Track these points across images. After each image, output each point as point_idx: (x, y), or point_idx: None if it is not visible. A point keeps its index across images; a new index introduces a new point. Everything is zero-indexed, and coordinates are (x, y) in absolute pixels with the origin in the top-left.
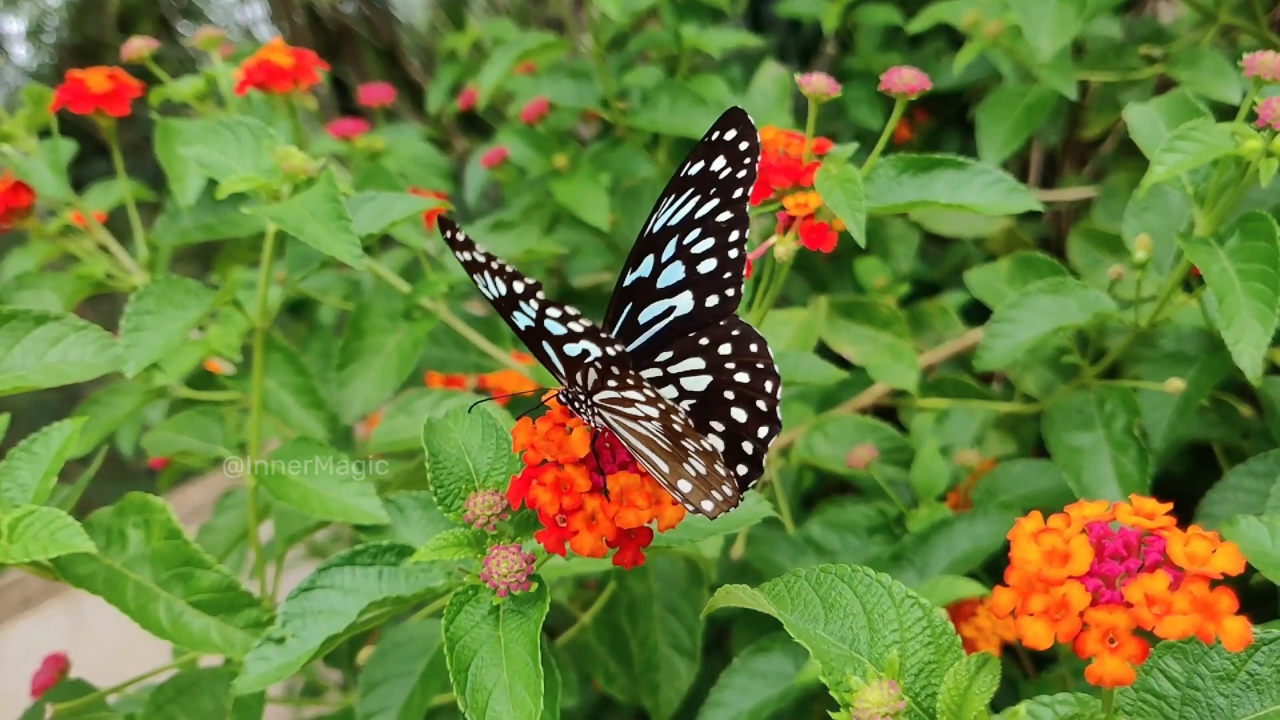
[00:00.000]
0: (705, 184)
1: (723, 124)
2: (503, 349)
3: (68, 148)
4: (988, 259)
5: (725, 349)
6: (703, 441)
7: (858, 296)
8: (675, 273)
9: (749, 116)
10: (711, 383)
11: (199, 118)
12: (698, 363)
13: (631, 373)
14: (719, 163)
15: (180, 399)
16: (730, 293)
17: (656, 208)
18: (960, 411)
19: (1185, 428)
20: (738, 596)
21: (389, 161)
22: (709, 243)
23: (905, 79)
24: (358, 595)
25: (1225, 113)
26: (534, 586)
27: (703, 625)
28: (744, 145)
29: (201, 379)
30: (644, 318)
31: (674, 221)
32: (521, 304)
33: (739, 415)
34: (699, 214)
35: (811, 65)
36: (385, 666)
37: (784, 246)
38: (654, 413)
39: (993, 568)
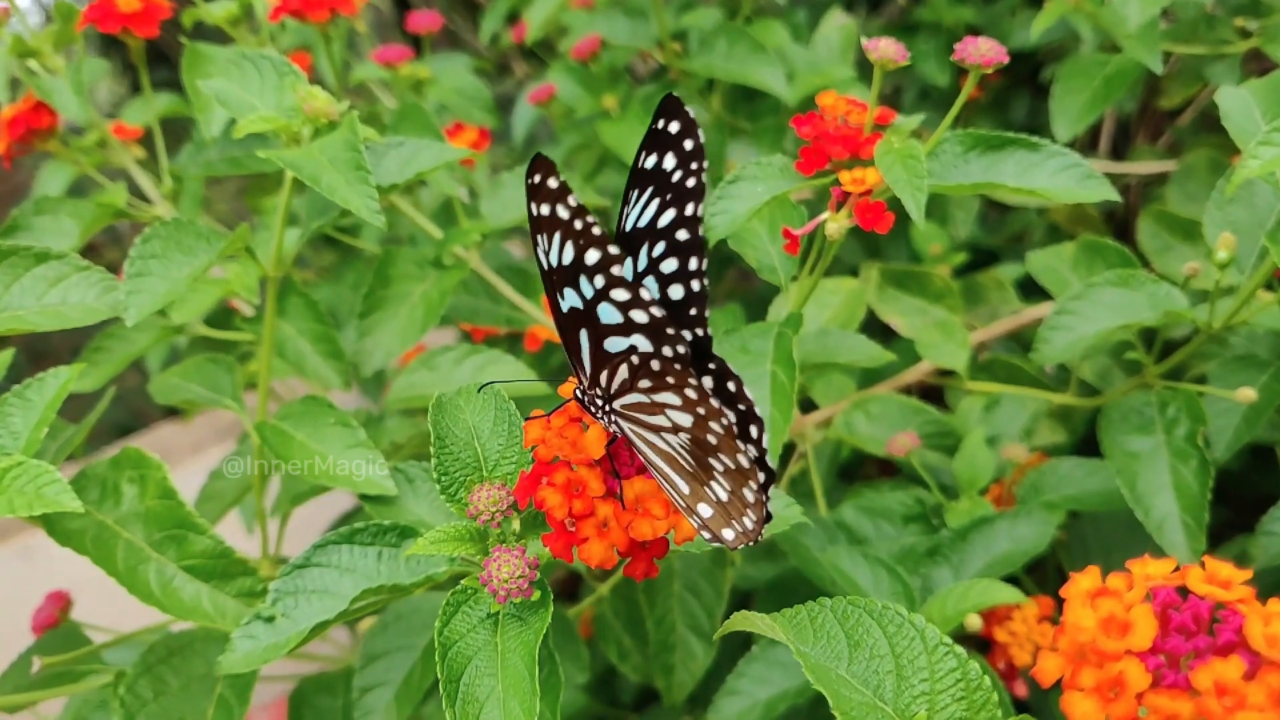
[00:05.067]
0: (662, 185)
1: (662, 112)
2: (534, 302)
3: (94, 68)
4: (1050, 229)
5: (705, 382)
6: (739, 457)
7: (911, 265)
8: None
9: (687, 108)
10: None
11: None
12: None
13: (690, 378)
14: (669, 161)
15: (200, 336)
16: (681, 349)
17: (625, 200)
18: (1010, 399)
19: (1251, 437)
20: (754, 624)
21: (433, 92)
22: (673, 264)
23: (981, 51)
24: (355, 576)
25: None
26: (537, 594)
27: (723, 607)
28: (688, 144)
29: (225, 316)
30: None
31: (642, 223)
32: (584, 279)
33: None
34: (660, 223)
35: (880, 14)
36: (387, 638)
37: (835, 224)
38: (686, 421)
39: (1034, 569)
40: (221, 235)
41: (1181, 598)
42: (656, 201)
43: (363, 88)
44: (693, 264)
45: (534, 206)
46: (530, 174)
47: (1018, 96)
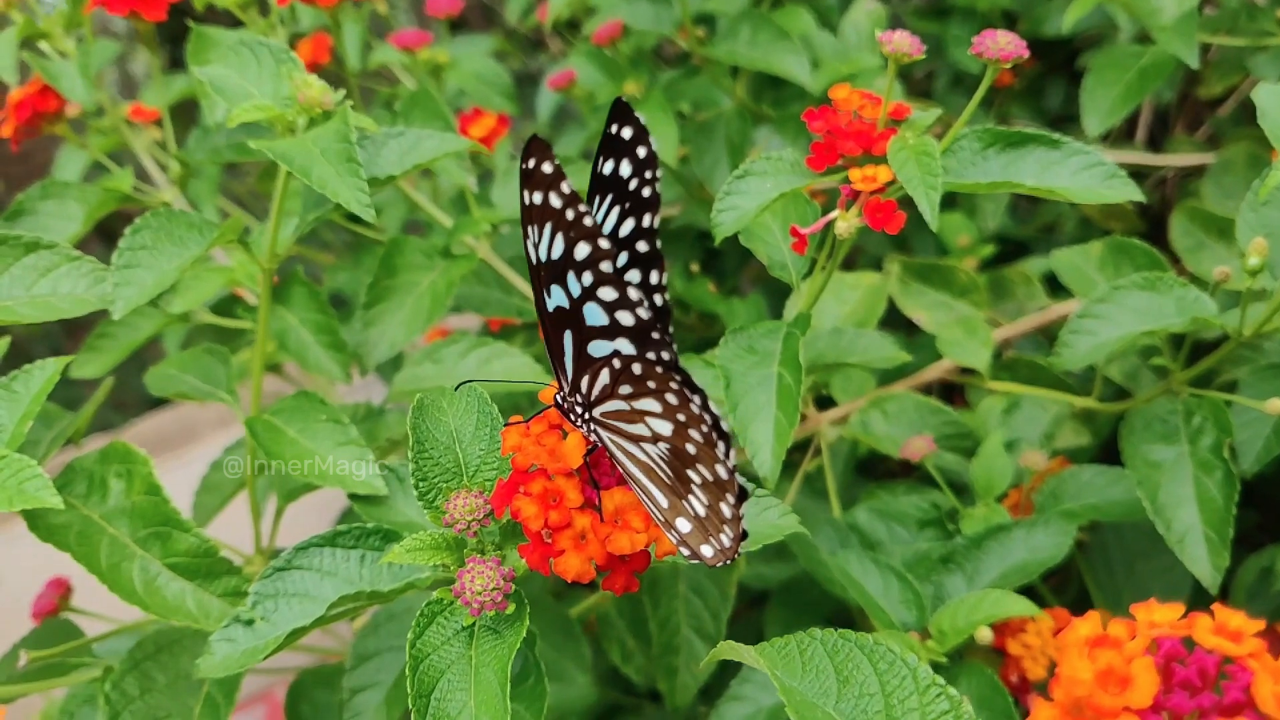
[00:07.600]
0: (620, 193)
1: (614, 116)
2: None
3: (104, 50)
4: (1082, 222)
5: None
6: (717, 467)
7: (935, 259)
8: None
9: (636, 113)
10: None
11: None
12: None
13: (671, 382)
14: (625, 168)
15: (206, 324)
16: (666, 355)
17: (589, 202)
18: (1031, 402)
19: None
20: (740, 654)
21: (452, 77)
22: (636, 276)
23: (1000, 44)
24: (336, 580)
25: None
26: (511, 607)
27: (729, 609)
28: (642, 152)
29: (235, 302)
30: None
31: (606, 231)
32: (571, 275)
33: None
34: (622, 232)
35: None
36: (378, 638)
37: (845, 223)
38: (666, 430)
39: (1053, 576)
40: (214, 226)
41: (1188, 649)
42: (617, 210)
43: (386, 72)
44: (654, 278)
45: (526, 194)
46: (524, 158)
47: (1053, 83)
